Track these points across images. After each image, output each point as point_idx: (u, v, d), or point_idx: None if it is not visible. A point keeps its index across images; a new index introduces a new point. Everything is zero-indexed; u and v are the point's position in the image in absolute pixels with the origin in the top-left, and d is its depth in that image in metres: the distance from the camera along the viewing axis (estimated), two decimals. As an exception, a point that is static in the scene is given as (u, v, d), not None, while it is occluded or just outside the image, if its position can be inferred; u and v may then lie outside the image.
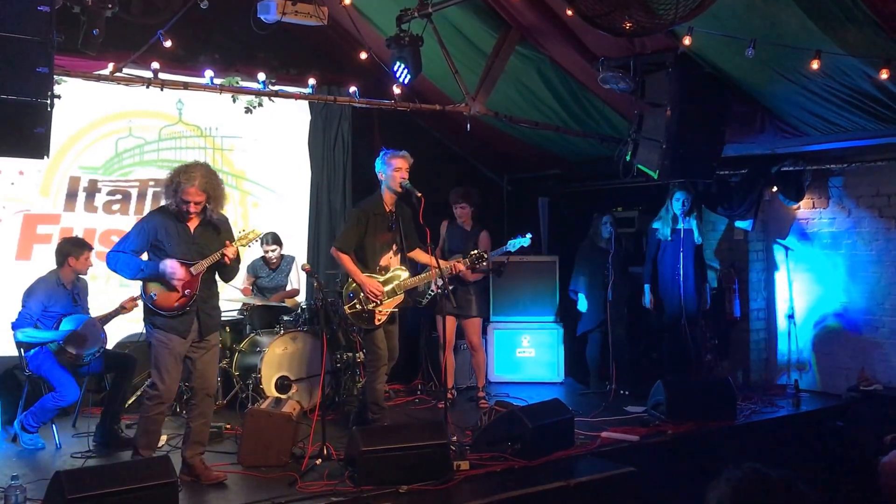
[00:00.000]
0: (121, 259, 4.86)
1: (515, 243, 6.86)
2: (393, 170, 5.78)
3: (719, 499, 1.98)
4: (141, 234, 4.92)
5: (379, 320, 5.81)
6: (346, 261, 5.79)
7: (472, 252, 6.18)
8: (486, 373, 7.55)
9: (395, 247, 5.92)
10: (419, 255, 6.06)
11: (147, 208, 7.38)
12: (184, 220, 4.94)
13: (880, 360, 7.15)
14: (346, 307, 5.83)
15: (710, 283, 7.66)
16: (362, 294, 5.75)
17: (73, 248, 5.96)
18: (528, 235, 6.89)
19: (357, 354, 7.06)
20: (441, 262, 5.84)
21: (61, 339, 5.72)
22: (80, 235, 6.78)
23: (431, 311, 7.03)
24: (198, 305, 4.94)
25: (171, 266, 4.81)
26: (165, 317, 4.87)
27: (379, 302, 5.75)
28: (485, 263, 6.32)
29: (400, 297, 5.89)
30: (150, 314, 4.92)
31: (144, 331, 5.04)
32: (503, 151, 9.02)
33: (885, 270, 7.19)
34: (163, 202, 5.07)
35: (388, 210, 5.89)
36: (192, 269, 4.88)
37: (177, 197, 4.84)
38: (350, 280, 5.86)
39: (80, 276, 6.10)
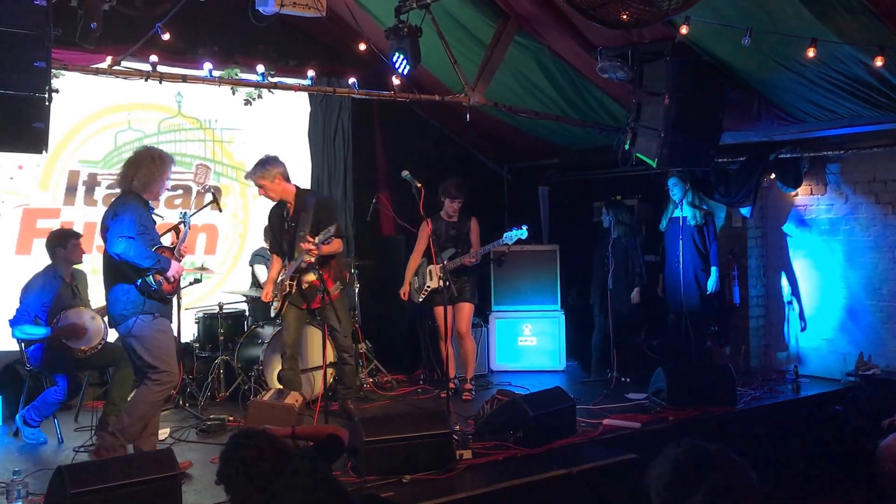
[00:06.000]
0: (136, 246, 4.75)
1: (512, 236, 6.77)
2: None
3: (660, 476, 2.01)
4: (138, 221, 4.88)
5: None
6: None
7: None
8: (474, 363, 7.26)
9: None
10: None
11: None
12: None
13: (878, 345, 7.18)
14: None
15: (715, 267, 7.39)
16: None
17: (58, 241, 5.98)
18: (524, 227, 6.80)
19: (359, 345, 7.08)
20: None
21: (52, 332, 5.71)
22: (81, 229, 6.72)
23: (430, 302, 7.00)
24: None
25: (174, 267, 4.95)
26: (167, 302, 5.01)
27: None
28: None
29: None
30: (149, 302, 4.87)
31: (130, 327, 4.83)
32: (503, 141, 9.02)
33: (882, 256, 7.21)
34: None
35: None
36: (175, 253, 5.02)
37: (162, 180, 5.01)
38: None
39: (77, 267, 6.13)
